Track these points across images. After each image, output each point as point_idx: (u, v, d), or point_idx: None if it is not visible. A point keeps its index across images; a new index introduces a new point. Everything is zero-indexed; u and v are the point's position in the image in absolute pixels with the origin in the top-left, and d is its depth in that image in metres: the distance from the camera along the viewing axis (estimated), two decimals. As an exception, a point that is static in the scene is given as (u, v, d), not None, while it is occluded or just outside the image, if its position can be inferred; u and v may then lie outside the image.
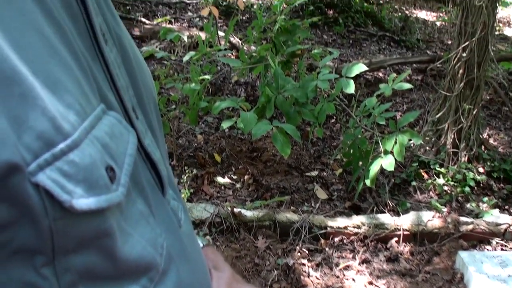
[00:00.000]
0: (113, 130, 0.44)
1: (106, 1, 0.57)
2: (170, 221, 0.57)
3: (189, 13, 7.05)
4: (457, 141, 3.97)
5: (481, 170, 3.92)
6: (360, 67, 3.29)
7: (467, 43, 3.82)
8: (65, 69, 0.40)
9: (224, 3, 6.85)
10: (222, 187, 3.60)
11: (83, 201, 0.38)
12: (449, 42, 6.81)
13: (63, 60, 0.41)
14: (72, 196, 0.38)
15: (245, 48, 4.57)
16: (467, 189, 3.63)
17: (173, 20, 6.56)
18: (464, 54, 3.86)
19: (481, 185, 3.80)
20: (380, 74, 5.74)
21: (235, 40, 5.58)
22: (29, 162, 0.36)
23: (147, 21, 6.15)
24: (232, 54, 5.29)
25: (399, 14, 8.51)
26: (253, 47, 4.47)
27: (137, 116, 0.54)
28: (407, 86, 3.40)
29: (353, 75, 3.25)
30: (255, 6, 7.11)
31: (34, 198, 0.36)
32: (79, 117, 0.40)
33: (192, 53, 3.65)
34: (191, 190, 3.43)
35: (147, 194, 0.51)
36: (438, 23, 8.48)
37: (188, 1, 7.41)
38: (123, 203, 0.44)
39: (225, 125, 3.27)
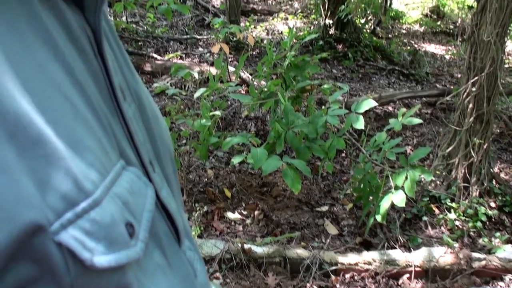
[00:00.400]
0: (132, 186, 0.45)
1: (125, 59, 0.59)
2: (187, 272, 0.57)
3: (200, 49, 7.14)
4: (468, 175, 3.95)
5: (492, 204, 3.89)
6: (369, 103, 3.30)
7: (476, 78, 3.83)
8: (87, 127, 0.42)
9: (235, 38, 6.94)
10: (232, 223, 3.60)
11: (103, 258, 0.39)
12: (459, 75, 6.83)
13: (84, 119, 0.42)
14: (93, 254, 0.38)
15: (255, 83, 4.61)
16: (479, 224, 3.60)
17: (184, 56, 6.66)
18: (474, 89, 3.87)
19: (493, 220, 3.76)
20: (390, 108, 5.75)
21: (245, 75, 5.63)
22: (52, 221, 0.36)
23: (158, 57, 6.24)
24: (243, 89, 5.34)
25: (408, 48, 8.58)
26: (263, 82, 4.52)
27: (154, 169, 0.55)
28: (417, 121, 3.40)
29: (362, 111, 3.26)
30: (265, 42, 7.20)
31: (56, 256, 0.37)
32: (100, 175, 0.41)
33: (202, 89, 3.69)
34: (202, 227, 3.42)
35: (163, 245, 0.52)
36: (447, 56, 8.53)
37: (199, 37, 7.53)
38: (141, 258, 0.45)
39: (236, 160, 3.28)
